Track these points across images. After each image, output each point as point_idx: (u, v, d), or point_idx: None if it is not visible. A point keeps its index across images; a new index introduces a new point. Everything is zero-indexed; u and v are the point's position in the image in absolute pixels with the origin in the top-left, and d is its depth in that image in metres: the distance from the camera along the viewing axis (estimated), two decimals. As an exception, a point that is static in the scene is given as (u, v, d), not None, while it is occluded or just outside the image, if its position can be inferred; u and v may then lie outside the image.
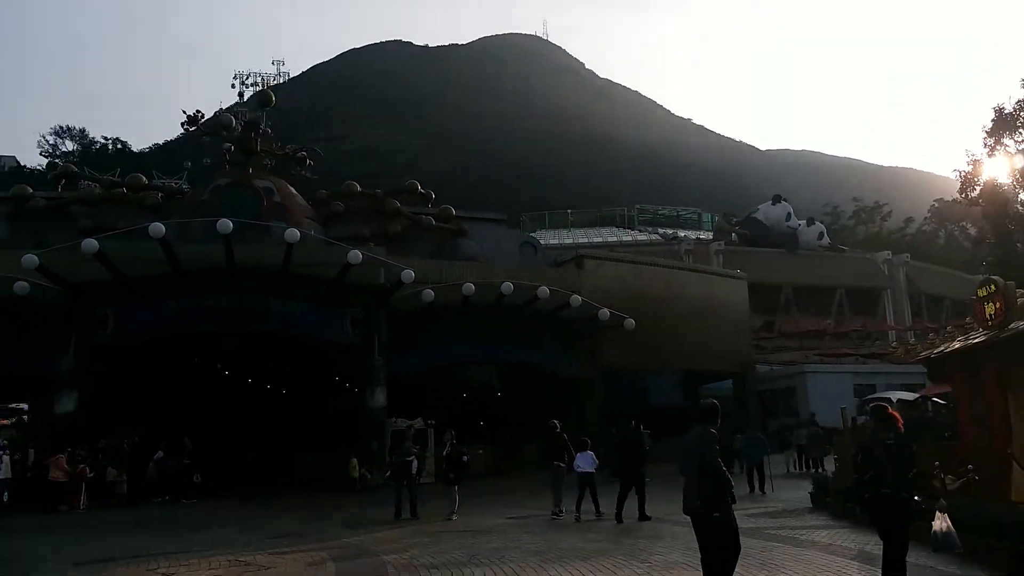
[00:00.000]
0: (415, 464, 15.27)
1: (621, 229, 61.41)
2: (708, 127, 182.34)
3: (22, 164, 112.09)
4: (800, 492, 15.86)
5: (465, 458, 15.78)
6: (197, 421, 27.51)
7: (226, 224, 19.89)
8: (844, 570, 8.42)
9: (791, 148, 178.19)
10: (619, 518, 12.91)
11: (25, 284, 20.19)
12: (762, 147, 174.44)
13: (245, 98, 40.88)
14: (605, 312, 25.18)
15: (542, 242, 35.92)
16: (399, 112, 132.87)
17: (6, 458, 17.83)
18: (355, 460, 21.70)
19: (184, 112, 29.14)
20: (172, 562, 10.27)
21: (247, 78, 40.85)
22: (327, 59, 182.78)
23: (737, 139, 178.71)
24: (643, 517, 12.99)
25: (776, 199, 52.77)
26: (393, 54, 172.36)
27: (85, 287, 20.99)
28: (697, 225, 65.27)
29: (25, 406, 22.97)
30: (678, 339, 29.69)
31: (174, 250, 20.69)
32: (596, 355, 27.19)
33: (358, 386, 23.54)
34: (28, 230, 25.55)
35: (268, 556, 10.59)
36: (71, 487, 18.40)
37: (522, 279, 25.38)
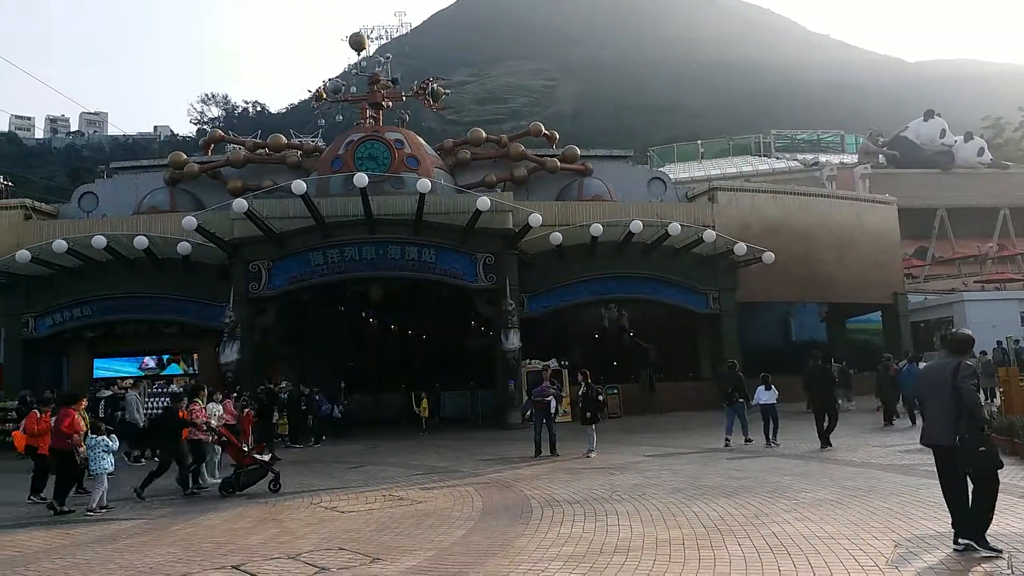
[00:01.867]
0: (553, 403, 15.57)
1: (757, 158, 58.54)
2: (849, 42, 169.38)
3: (175, 132, 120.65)
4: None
5: (600, 397, 16.04)
6: (347, 366, 29.32)
7: (362, 178, 20.67)
8: (1017, 507, 7.88)
9: (945, 58, 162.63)
10: (826, 442, 13.96)
11: (187, 244, 22.00)
12: (911, 60, 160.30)
13: (371, 52, 41.88)
14: (741, 246, 24.32)
15: (672, 176, 34.88)
16: (522, 54, 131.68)
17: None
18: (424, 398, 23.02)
19: (310, 91, 30.46)
20: (333, 496, 11.10)
21: (371, 32, 41.65)
22: (447, 5, 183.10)
23: (882, 53, 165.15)
24: (826, 444, 13.94)
25: (928, 115, 48.40)
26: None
27: (239, 244, 22.56)
28: (840, 148, 61.14)
29: (195, 356, 25.12)
30: (821, 271, 28.30)
31: (316, 205, 21.77)
32: (733, 290, 26.42)
33: (493, 329, 24.13)
34: (186, 194, 27.60)
35: (419, 491, 11.22)
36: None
37: (651, 216, 24.92)
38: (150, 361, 25.26)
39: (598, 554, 6.88)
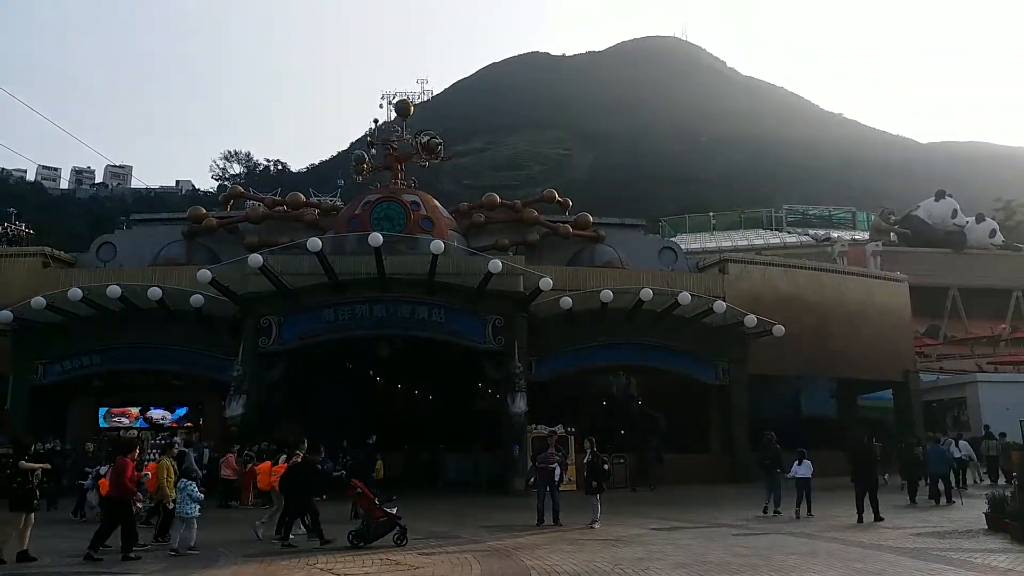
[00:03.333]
0: (558, 471, 15.35)
1: (768, 231, 58.97)
2: (862, 121, 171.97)
3: (196, 188, 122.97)
4: (974, 512, 14.60)
5: (606, 466, 15.82)
6: (351, 424, 29.09)
7: (376, 238, 20.96)
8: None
9: (956, 140, 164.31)
10: (877, 516, 14.53)
11: (200, 297, 22.19)
12: (923, 140, 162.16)
13: (392, 117, 42.87)
14: (752, 318, 24.30)
15: (683, 246, 35.12)
16: (538, 122, 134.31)
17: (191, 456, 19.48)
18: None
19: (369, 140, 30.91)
20: (329, 558, 10.90)
21: (393, 97, 42.82)
22: (468, 75, 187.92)
23: (894, 133, 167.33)
24: (877, 518, 14.51)
25: (940, 195, 48.77)
26: (531, 66, 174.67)
27: (252, 298, 22.73)
28: (851, 225, 61.54)
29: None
30: (833, 346, 28.15)
31: (330, 263, 22.01)
32: (743, 362, 26.25)
33: (499, 392, 23.99)
34: (203, 248, 27.96)
35: (416, 556, 11.01)
36: (241, 484, 19.87)
37: (662, 284, 24.99)
38: (154, 412, 25.19)
39: (597, 629, 6.69)
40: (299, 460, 13.21)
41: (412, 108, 31.18)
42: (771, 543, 11.99)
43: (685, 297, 23.63)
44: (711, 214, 63.55)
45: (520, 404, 22.40)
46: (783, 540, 12.27)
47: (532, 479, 16.01)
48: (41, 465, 11.19)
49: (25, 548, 10.68)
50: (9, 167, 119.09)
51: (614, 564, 10.04)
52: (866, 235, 52.42)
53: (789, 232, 57.97)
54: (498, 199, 31.12)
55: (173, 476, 11.76)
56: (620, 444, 25.64)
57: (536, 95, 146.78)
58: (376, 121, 32.87)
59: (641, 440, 25.45)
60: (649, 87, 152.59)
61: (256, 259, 21.15)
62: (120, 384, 24.97)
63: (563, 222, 29.91)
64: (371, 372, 30.29)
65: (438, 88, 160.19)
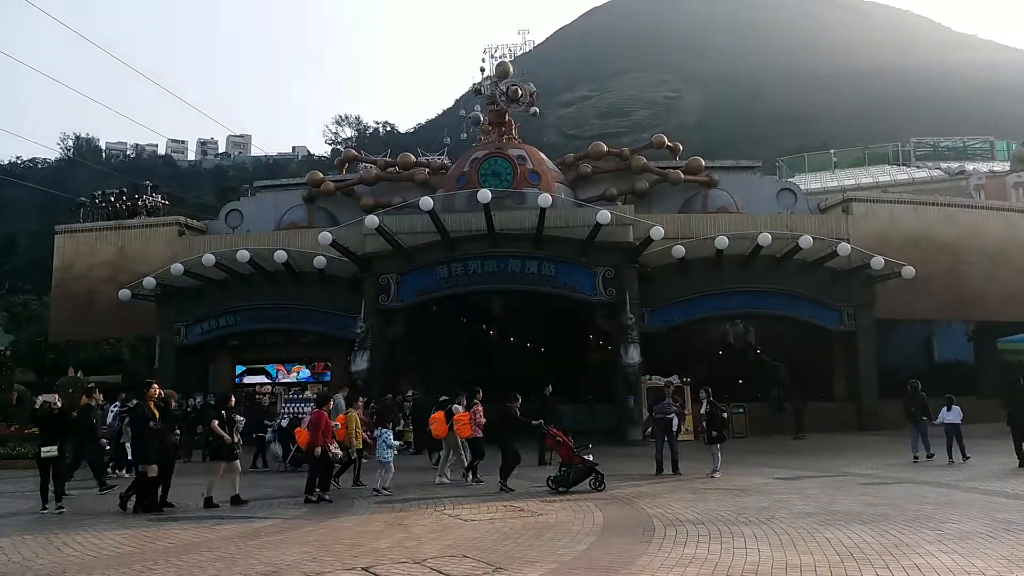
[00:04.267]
0: (675, 421, 15.27)
1: (895, 167, 55.25)
2: (999, 42, 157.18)
3: (311, 152, 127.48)
4: None
5: (724, 415, 15.64)
6: (469, 377, 29.88)
7: (485, 194, 21.20)
8: None
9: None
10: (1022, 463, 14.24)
11: (322, 258, 23.19)
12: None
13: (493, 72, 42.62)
14: (879, 260, 23.04)
15: (803, 187, 33.55)
16: (643, 66, 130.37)
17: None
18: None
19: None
20: (455, 504, 11.35)
21: (495, 51, 42.50)
22: (569, 22, 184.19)
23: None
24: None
25: (1095, 116, 44.22)
26: (634, 9, 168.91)
27: (370, 258, 23.59)
28: (989, 156, 56.76)
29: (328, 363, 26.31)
30: (969, 286, 26.34)
31: (441, 220, 22.45)
32: (869, 307, 25.04)
33: (612, 343, 23.94)
34: (322, 211, 29.12)
35: (539, 503, 11.30)
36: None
37: (781, 228, 24.08)
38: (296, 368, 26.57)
39: (724, 577, 6.70)
40: (508, 408, 13.86)
41: (511, 69, 30.94)
42: (905, 493, 11.53)
43: (806, 240, 22.67)
44: (832, 151, 60.13)
45: (633, 355, 22.33)
46: (917, 490, 11.78)
47: (649, 429, 15.99)
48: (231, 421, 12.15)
49: (236, 492, 11.74)
50: (143, 142, 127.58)
51: (738, 513, 9.96)
52: (1006, 166, 48.24)
53: (918, 167, 54.10)
54: (605, 148, 30.63)
55: (359, 426, 13.36)
56: (739, 394, 25.19)
57: (640, 38, 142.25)
58: (482, 73, 32.65)
59: (766, 386, 24.92)
60: (760, 24, 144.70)
61: (372, 220, 21.88)
62: (253, 343, 26.54)
63: (674, 168, 29.14)
64: (483, 326, 30.90)
65: (540, 38, 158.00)
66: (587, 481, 12.38)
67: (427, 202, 21.48)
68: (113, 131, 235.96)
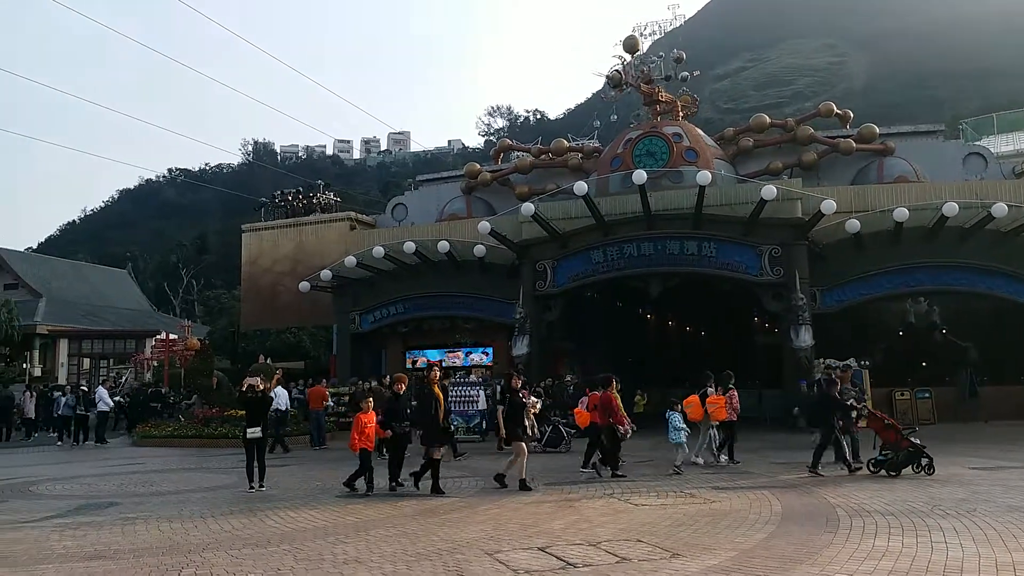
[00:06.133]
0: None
1: (1105, 122, 48.91)
2: None
3: (466, 144, 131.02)
4: None
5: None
6: (627, 361, 29.71)
7: (640, 175, 20.88)
8: None
9: None
10: None
11: (482, 247, 23.85)
12: None
13: (645, 50, 41.72)
14: (1088, 227, 20.54)
15: (993, 150, 30.43)
16: (802, 32, 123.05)
17: (483, 393, 21.22)
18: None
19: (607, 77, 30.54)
20: (625, 489, 11.33)
21: (645, 28, 41.71)
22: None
23: None
24: None
25: None
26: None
27: (527, 245, 23.98)
28: None
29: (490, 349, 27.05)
30: None
31: (596, 204, 22.38)
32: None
33: (780, 325, 22.92)
34: (480, 201, 29.91)
35: (711, 490, 11.04)
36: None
37: (969, 196, 22.00)
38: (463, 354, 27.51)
39: (924, 573, 6.24)
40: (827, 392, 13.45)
41: (640, 43, 30.17)
42: None
43: (1000, 208, 20.52)
44: (1025, 108, 54.07)
45: (805, 338, 21.27)
46: None
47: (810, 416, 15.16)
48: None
49: (523, 477, 11.51)
50: (312, 144, 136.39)
51: (932, 505, 9.25)
52: None
53: None
54: (767, 119, 29.20)
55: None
56: (923, 377, 23.38)
57: (797, 3, 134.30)
58: (629, 53, 31.99)
59: (955, 368, 22.99)
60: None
61: (528, 208, 22.20)
62: (420, 330, 27.75)
63: (844, 137, 27.35)
64: (641, 310, 30.53)
65: (690, 12, 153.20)
66: (912, 466, 11.89)
67: (581, 187, 21.47)
68: (286, 135, 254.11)
